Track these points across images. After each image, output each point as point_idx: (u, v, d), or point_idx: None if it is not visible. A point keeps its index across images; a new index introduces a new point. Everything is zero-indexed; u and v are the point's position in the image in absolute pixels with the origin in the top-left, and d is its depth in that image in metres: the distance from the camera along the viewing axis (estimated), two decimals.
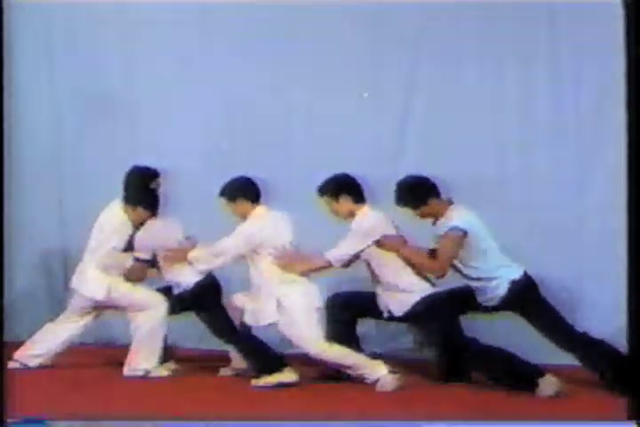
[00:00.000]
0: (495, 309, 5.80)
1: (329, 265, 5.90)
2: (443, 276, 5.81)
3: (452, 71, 6.74)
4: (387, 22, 6.82)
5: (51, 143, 7.39)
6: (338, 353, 5.77)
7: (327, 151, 6.80)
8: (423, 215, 5.85)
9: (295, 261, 5.87)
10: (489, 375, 5.73)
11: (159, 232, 6.17)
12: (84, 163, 7.33)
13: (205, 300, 6.15)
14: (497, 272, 5.71)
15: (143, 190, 6.19)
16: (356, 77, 6.87)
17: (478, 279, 5.72)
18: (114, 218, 6.18)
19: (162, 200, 6.25)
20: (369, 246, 5.85)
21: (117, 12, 7.19)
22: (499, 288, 5.70)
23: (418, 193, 5.83)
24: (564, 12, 6.54)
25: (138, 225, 6.19)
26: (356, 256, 5.90)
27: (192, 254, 6.01)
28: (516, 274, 5.73)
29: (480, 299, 5.77)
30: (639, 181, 4.98)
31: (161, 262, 6.23)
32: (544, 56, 6.61)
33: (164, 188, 6.30)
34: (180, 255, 6.08)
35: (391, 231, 5.91)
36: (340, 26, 6.83)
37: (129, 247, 6.20)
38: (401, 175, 6.75)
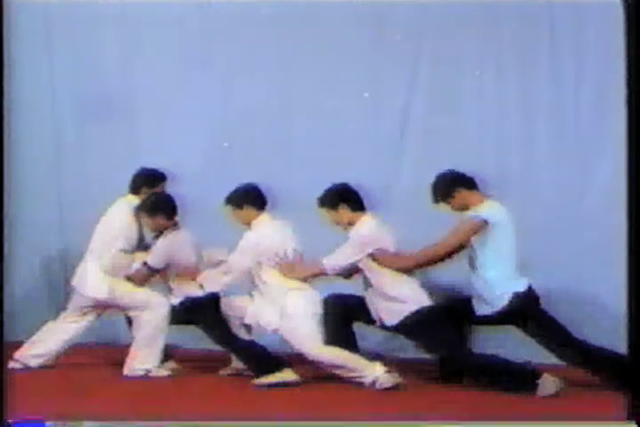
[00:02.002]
0: (493, 322, 5.76)
1: (324, 273, 5.91)
2: (439, 257, 5.76)
3: (453, 71, 6.74)
4: (387, 22, 6.82)
5: (51, 143, 7.39)
6: (336, 356, 5.78)
7: (327, 152, 6.81)
8: (456, 209, 5.80)
9: (295, 267, 5.89)
10: (486, 384, 5.70)
11: (179, 246, 6.13)
12: (84, 163, 7.33)
13: (204, 313, 6.13)
14: (504, 282, 5.66)
15: (162, 197, 6.17)
16: (355, 77, 6.87)
17: (484, 282, 5.69)
18: (121, 220, 6.17)
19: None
20: (365, 257, 5.83)
21: (117, 12, 7.19)
22: (500, 299, 5.65)
23: (442, 186, 5.80)
24: (564, 12, 6.55)
25: (157, 232, 6.17)
26: (354, 267, 5.89)
27: (201, 277, 6.03)
28: (521, 287, 5.69)
29: (478, 309, 5.72)
30: (639, 181, 4.97)
31: (170, 274, 6.20)
32: (544, 56, 6.61)
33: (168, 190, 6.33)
34: (190, 274, 6.09)
35: (389, 241, 5.88)
36: (340, 26, 6.83)
37: (136, 248, 6.20)
38: (401, 176, 6.79)
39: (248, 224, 5.99)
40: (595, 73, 6.45)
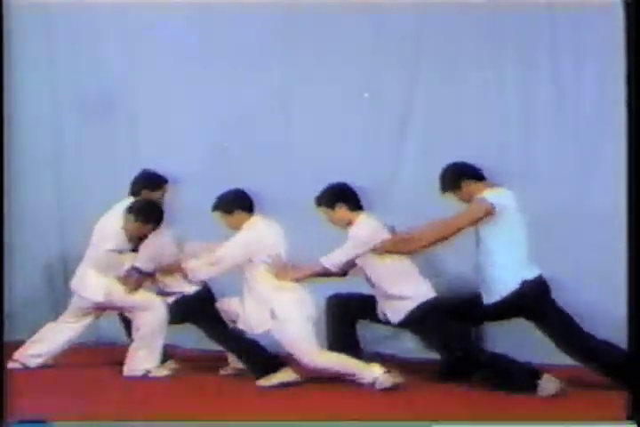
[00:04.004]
0: (501, 313, 5.74)
1: (324, 270, 5.88)
2: (443, 238, 5.73)
3: (453, 72, 6.74)
4: (387, 22, 6.82)
5: (51, 143, 7.39)
6: (331, 361, 5.76)
7: (327, 152, 6.81)
8: (464, 199, 5.79)
9: (289, 269, 5.87)
10: (487, 380, 5.69)
11: (164, 245, 6.13)
12: (84, 163, 7.33)
13: (198, 311, 6.14)
14: (513, 269, 5.63)
15: (152, 205, 6.16)
16: (355, 77, 6.87)
17: (493, 268, 5.64)
18: (114, 221, 6.15)
19: (165, 206, 6.27)
20: (364, 253, 5.82)
21: (118, 13, 7.19)
22: (509, 285, 5.62)
23: (450, 177, 5.81)
24: (564, 13, 6.54)
25: (140, 237, 6.15)
26: (352, 263, 5.89)
27: (187, 265, 6.00)
28: (531, 275, 5.66)
29: (486, 297, 5.69)
30: (639, 181, 4.97)
31: (157, 273, 6.20)
32: (544, 57, 6.61)
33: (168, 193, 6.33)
34: (175, 267, 6.08)
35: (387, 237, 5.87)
36: (340, 26, 6.83)
37: (126, 249, 6.18)
38: (401, 177, 6.78)
39: (239, 228, 5.97)
40: (595, 73, 6.45)
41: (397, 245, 5.82)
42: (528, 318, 5.72)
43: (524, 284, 5.64)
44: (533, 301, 5.66)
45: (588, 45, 6.47)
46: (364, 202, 5.98)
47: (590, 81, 6.49)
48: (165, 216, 6.17)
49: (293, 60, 6.96)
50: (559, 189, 6.49)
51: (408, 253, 5.84)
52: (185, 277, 6.03)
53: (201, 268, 5.94)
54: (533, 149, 6.62)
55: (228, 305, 6.08)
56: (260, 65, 6.96)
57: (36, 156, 7.31)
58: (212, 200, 6.09)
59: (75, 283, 6.26)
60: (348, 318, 6.02)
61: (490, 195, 5.68)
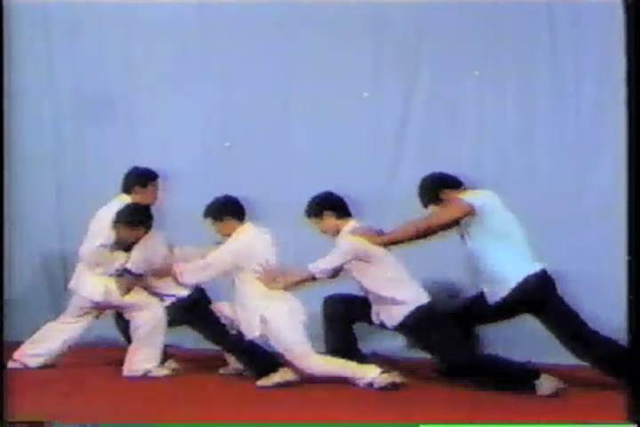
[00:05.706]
0: (508, 312, 5.71)
1: (312, 278, 5.87)
2: (421, 234, 5.70)
3: (452, 72, 6.74)
4: (387, 22, 6.82)
5: (51, 143, 7.39)
6: (327, 365, 5.75)
7: (326, 152, 6.81)
8: None
9: (278, 277, 5.85)
10: (486, 380, 5.67)
11: (156, 248, 6.12)
12: (84, 163, 7.33)
13: (194, 314, 6.15)
14: (514, 265, 5.60)
15: (138, 209, 6.15)
16: (355, 77, 6.87)
17: (491, 266, 5.60)
18: (104, 218, 6.14)
19: (158, 202, 6.26)
20: (352, 260, 5.79)
21: (117, 12, 7.19)
22: (510, 282, 5.59)
23: (428, 190, 5.79)
24: (564, 13, 6.55)
25: (133, 242, 6.14)
26: (340, 268, 5.86)
27: (178, 269, 5.99)
28: (533, 270, 5.63)
29: (490, 297, 5.65)
30: (639, 181, 4.97)
31: (148, 276, 6.20)
32: (544, 56, 6.61)
33: (163, 190, 6.32)
34: (167, 269, 6.07)
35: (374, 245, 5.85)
36: (340, 26, 6.83)
37: (117, 247, 6.17)
38: (400, 177, 6.77)
39: (229, 235, 5.96)
40: (595, 73, 6.45)
41: (372, 240, 5.78)
42: (533, 312, 5.70)
43: (527, 279, 5.61)
44: (538, 295, 5.63)
45: (588, 45, 6.47)
46: (360, 207, 5.97)
47: (590, 81, 6.49)
48: (159, 218, 6.17)
49: (293, 60, 6.95)
50: (559, 189, 6.49)
51: (381, 244, 5.78)
52: (175, 280, 6.03)
53: (190, 272, 5.95)
54: (533, 149, 6.62)
55: (220, 310, 6.10)
56: (259, 64, 6.96)
57: (36, 156, 7.31)
58: (210, 199, 6.08)
59: (74, 282, 6.27)
60: (345, 318, 5.99)
61: (468, 196, 5.67)
